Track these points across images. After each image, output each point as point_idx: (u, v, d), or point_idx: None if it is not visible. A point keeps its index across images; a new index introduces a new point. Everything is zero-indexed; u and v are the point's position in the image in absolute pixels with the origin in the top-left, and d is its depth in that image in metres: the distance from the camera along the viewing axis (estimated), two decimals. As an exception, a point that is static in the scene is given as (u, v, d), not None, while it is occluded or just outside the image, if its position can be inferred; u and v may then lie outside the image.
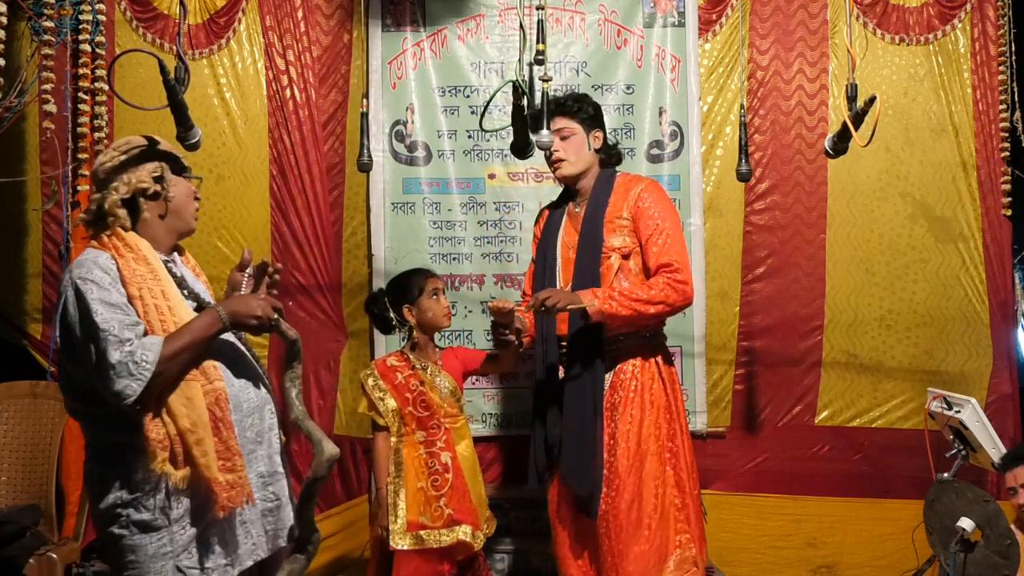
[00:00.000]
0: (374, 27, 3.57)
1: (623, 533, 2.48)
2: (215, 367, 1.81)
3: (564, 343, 2.63)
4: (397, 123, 3.58)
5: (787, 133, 3.63)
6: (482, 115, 3.43)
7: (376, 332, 3.37)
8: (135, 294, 1.76)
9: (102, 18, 3.28)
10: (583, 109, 2.67)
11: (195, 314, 1.82)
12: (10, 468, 3.08)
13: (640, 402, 2.55)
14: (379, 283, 3.41)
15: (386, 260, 3.53)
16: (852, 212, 3.61)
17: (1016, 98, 3.48)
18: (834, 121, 3.56)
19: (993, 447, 2.73)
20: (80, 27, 3.16)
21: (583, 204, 2.69)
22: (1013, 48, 3.53)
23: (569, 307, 2.44)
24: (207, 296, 1.98)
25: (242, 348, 1.95)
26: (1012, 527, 2.44)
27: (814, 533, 3.52)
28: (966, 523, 2.44)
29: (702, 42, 3.63)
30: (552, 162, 2.68)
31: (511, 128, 2.32)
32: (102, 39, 3.27)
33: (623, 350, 2.59)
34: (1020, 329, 3.62)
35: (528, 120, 2.27)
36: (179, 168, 1.95)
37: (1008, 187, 3.54)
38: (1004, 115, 3.51)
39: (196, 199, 1.97)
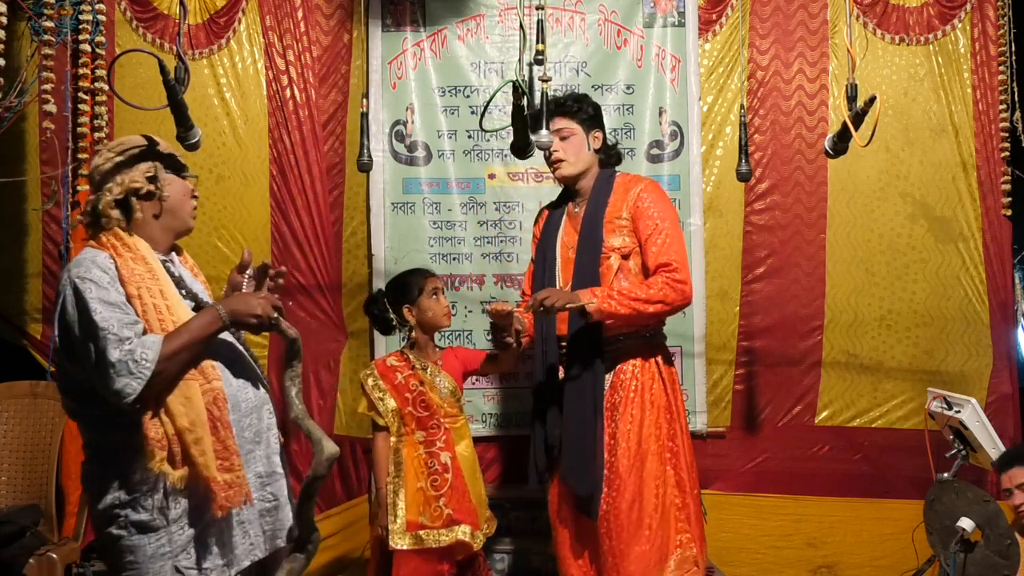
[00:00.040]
0: (374, 27, 3.57)
1: (624, 533, 2.48)
2: (213, 367, 1.80)
3: (564, 343, 2.63)
4: (397, 123, 3.58)
5: (787, 133, 3.63)
6: (482, 115, 3.43)
7: (376, 332, 3.37)
8: (133, 293, 1.75)
9: (102, 18, 3.28)
10: (583, 109, 2.67)
11: (193, 314, 1.82)
12: (10, 468, 3.09)
13: (640, 402, 2.55)
14: (379, 283, 3.40)
15: (386, 260, 3.53)
16: (852, 212, 3.61)
17: (1016, 98, 3.48)
18: (834, 121, 3.55)
19: (993, 447, 2.73)
20: (80, 27, 3.16)
21: (583, 204, 2.69)
22: (1013, 48, 3.53)
23: (568, 306, 2.43)
24: (205, 296, 1.98)
25: (240, 348, 1.94)
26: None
27: (814, 533, 3.52)
28: (966, 523, 2.43)
29: (702, 42, 3.63)
30: (552, 162, 2.67)
31: (511, 128, 2.31)
32: (102, 39, 3.27)
33: (623, 350, 2.59)
34: (1020, 329, 3.62)
35: (528, 120, 2.26)
36: (177, 167, 1.94)
37: (1008, 187, 3.54)
38: (1004, 115, 3.51)
39: (194, 197, 1.97)
